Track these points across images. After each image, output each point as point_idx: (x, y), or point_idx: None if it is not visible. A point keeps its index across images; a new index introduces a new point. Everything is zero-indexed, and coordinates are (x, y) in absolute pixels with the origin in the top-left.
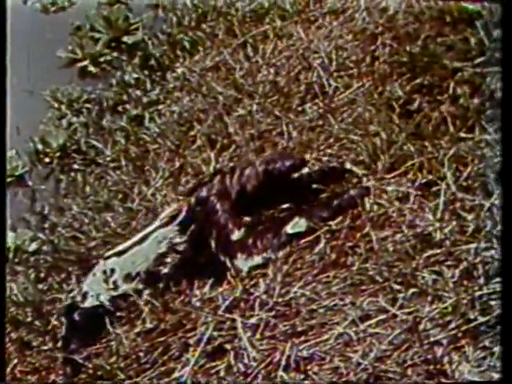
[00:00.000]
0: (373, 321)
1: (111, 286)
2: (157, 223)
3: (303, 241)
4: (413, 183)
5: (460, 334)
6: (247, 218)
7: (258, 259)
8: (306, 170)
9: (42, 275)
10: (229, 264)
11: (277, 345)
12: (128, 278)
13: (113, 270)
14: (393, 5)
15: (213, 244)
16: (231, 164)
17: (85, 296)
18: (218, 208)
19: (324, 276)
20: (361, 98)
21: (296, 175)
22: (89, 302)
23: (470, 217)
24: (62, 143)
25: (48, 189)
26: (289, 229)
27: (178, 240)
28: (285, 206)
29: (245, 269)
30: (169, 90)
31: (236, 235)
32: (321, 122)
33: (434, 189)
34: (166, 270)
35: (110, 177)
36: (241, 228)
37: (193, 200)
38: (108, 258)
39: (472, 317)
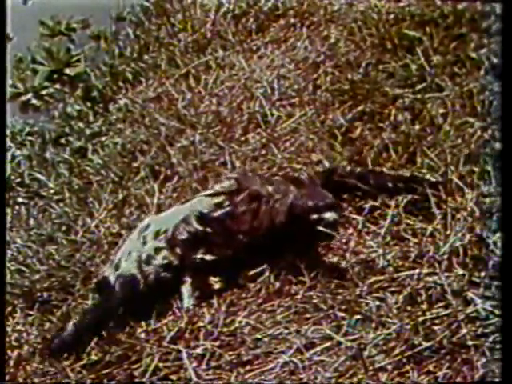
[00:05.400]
0: (318, 348)
1: (141, 240)
2: (208, 191)
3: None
4: (356, 209)
5: (404, 360)
6: None
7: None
8: (328, 215)
9: None
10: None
11: (222, 374)
12: (157, 234)
13: (148, 226)
14: (334, 33)
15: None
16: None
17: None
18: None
19: (268, 305)
20: (303, 127)
21: (315, 217)
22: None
23: (412, 242)
24: (6, 176)
25: None
26: None
27: (209, 213)
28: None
29: (189, 304)
30: (111, 121)
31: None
32: (264, 152)
33: (377, 215)
34: (183, 236)
35: (53, 209)
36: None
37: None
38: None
39: (416, 342)
